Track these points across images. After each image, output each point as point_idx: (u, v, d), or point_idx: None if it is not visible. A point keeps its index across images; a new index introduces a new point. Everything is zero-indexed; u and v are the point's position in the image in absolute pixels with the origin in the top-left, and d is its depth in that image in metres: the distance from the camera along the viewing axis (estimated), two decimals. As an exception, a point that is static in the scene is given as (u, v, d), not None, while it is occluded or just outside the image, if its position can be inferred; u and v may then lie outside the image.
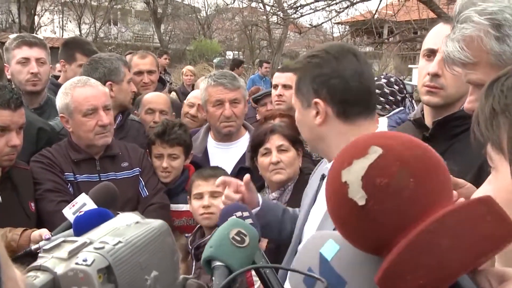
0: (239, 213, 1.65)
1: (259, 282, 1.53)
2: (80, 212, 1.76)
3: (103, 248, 0.84)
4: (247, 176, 1.95)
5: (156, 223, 1.00)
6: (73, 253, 0.83)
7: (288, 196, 2.62)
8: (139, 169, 2.81)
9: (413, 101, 3.91)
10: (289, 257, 1.89)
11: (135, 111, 3.57)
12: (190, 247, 2.57)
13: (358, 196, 0.81)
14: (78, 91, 2.62)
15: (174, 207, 2.92)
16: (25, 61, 3.26)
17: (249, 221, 1.57)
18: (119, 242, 0.87)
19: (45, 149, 2.70)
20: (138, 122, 3.40)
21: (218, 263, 1.20)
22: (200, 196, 2.63)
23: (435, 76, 1.97)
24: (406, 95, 4.14)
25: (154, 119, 3.43)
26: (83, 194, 1.88)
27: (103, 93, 2.69)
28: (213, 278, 1.16)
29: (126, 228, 0.96)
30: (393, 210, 0.81)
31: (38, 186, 2.55)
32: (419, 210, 0.81)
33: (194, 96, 3.90)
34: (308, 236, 1.76)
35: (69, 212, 1.85)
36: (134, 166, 2.80)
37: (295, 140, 2.61)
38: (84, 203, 1.82)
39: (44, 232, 2.07)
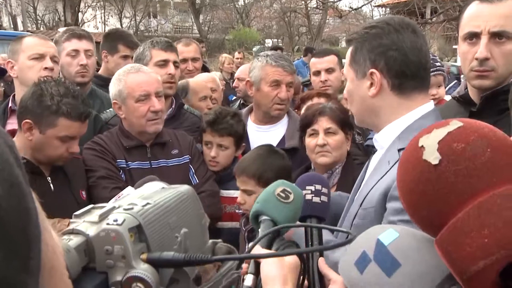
0: (312, 188, 1.55)
1: None
2: None
3: (132, 209, 0.87)
4: None
5: (182, 187, 1.04)
6: (103, 216, 0.86)
7: (337, 178, 2.58)
8: (188, 156, 2.82)
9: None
10: (339, 226, 1.86)
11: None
12: (244, 229, 2.56)
13: (433, 157, 0.80)
14: (131, 77, 2.67)
15: (225, 193, 2.88)
16: (75, 53, 3.37)
17: (324, 198, 1.54)
18: (148, 203, 0.90)
19: (96, 136, 2.75)
20: (197, 116, 3.29)
21: (264, 217, 1.30)
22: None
23: (485, 60, 1.93)
24: None
25: (208, 106, 3.48)
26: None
27: (155, 79, 2.72)
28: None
29: (153, 193, 0.99)
30: (466, 173, 0.79)
31: (92, 173, 2.59)
32: (492, 180, 0.78)
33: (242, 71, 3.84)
34: (356, 207, 1.75)
35: None
36: (184, 153, 2.81)
37: (344, 123, 2.56)
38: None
39: None
